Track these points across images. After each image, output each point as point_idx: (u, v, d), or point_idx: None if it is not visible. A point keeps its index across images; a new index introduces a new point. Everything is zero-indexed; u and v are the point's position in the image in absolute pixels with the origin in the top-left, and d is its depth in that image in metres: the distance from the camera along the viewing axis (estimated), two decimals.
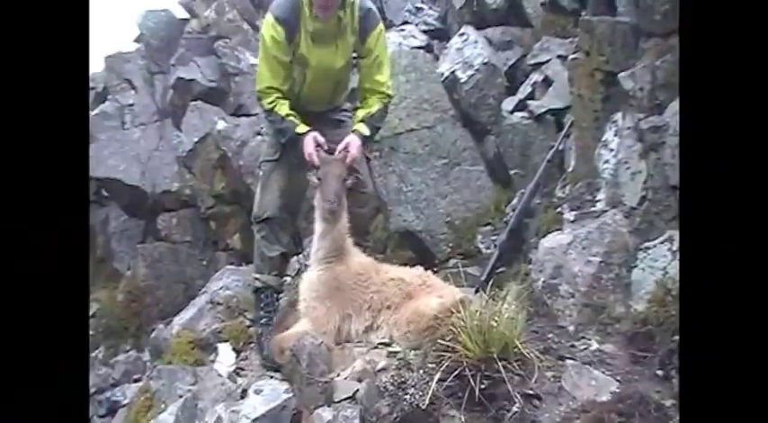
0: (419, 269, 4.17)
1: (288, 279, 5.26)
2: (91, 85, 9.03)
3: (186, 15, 8.92)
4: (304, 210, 5.71)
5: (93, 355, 7.27)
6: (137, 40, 8.99)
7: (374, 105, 4.42)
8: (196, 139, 7.53)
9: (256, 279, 4.64)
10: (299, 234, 6.42)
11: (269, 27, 4.29)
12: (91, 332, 7.36)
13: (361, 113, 4.42)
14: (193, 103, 7.79)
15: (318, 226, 4.03)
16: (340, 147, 4.20)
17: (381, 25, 4.48)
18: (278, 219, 4.55)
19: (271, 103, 4.34)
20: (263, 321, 4.56)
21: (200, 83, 7.99)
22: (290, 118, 4.31)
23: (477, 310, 3.43)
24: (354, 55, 4.55)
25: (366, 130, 4.34)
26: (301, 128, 4.28)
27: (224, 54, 7.96)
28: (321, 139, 4.22)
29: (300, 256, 5.90)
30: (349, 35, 4.38)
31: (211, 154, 7.43)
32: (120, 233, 8.28)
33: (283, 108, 4.33)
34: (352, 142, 4.22)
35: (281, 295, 4.77)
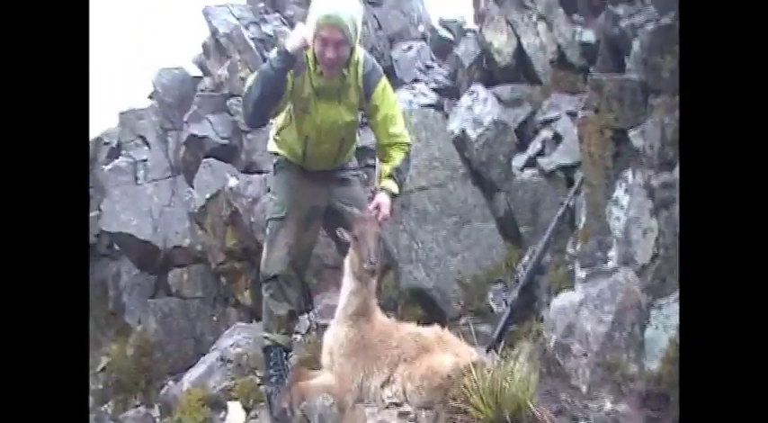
0: (436, 326, 4.14)
1: (297, 337, 5.22)
2: (105, 140, 9.19)
3: (199, 73, 9.03)
4: (314, 266, 5.73)
5: (102, 409, 7.23)
6: (150, 97, 9.11)
7: (397, 157, 4.40)
8: (208, 196, 7.56)
9: (265, 337, 4.59)
10: (309, 291, 6.40)
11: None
12: (100, 386, 7.35)
13: (387, 168, 4.38)
14: (206, 159, 7.84)
15: (350, 283, 3.98)
16: (371, 206, 4.17)
17: (384, 79, 4.47)
18: (285, 276, 4.51)
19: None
20: (272, 380, 4.50)
21: (213, 140, 8.05)
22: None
23: (489, 371, 3.39)
24: (362, 114, 4.57)
25: (395, 188, 4.31)
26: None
27: (236, 112, 8.01)
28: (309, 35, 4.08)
29: (311, 313, 5.89)
30: (353, 93, 4.38)
31: (223, 210, 7.45)
32: (132, 287, 8.32)
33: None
34: (383, 201, 4.19)
35: (290, 353, 4.73)
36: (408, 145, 4.50)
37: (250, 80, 4.21)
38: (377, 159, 4.77)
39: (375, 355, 3.86)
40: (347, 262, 4.01)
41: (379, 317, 4.06)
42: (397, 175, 4.36)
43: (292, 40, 4.07)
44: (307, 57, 4.26)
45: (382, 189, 4.29)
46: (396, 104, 4.54)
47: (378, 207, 4.15)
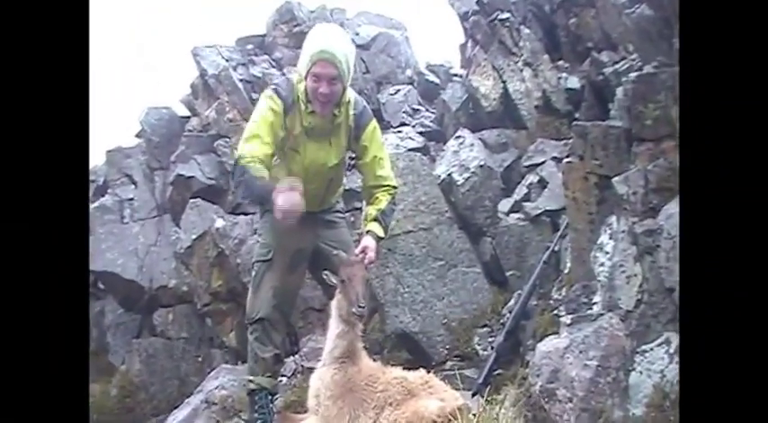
0: (422, 371, 4.14)
1: (283, 380, 5.21)
2: (91, 178, 9.13)
3: (187, 113, 9.04)
4: (299, 309, 5.72)
5: None
6: (138, 136, 9.10)
7: (383, 200, 4.37)
8: (194, 236, 7.55)
9: (250, 381, 4.56)
10: (295, 334, 6.39)
11: (268, 99, 4.21)
12: None
13: (372, 211, 4.35)
14: (192, 200, 7.85)
15: (337, 326, 3.96)
16: (358, 249, 4.12)
17: (374, 122, 4.47)
18: (271, 319, 4.47)
19: (249, 160, 4.07)
20: None
21: (200, 180, 8.07)
22: (265, 181, 4.05)
23: (474, 416, 3.39)
24: (351, 156, 4.59)
25: (380, 231, 4.26)
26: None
27: (223, 153, 8.06)
28: (299, 190, 3.94)
29: (297, 356, 5.88)
30: (343, 134, 4.39)
31: (209, 251, 7.45)
32: (116, 327, 8.25)
33: (260, 171, 4.06)
34: (369, 244, 4.14)
35: (276, 397, 4.70)
36: (394, 188, 4.51)
37: (237, 172, 4.12)
38: (363, 202, 4.78)
39: (361, 399, 3.84)
40: (334, 305, 4.00)
41: (366, 360, 4.05)
42: (382, 218, 4.33)
43: (281, 204, 3.89)
44: (298, 96, 4.28)
45: (368, 232, 4.26)
46: (383, 147, 4.56)
47: (364, 250, 4.13)
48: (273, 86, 4.29)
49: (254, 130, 4.18)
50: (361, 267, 3.98)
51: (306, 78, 4.18)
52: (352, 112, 4.35)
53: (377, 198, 4.41)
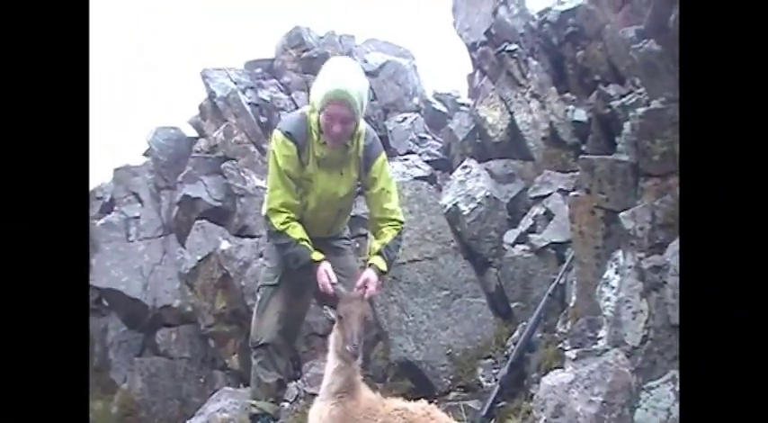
0: (423, 402, 4.13)
1: (285, 405, 5.20)
2: (98, 194, 9.20)
3: (195, 134, 9.08)
4: (303, 334, 5.72)
5: None
6: (146, 155, 9.15)
7: (388, 235, 4.41)
8: (199, 258, 7.55)
9: (253, 405, 4.58)
10: (298, 359, 6.40)
11: (280, 144, 4.30)
12: None
13: (376, 245, 4.38)
14: (198, 221, 7.85)
15: (334, 361, 3.94)
16: (359, 283, 4.12)
17: (383, 154, 4.54)
18: (275, 344, 4.50)
19: (283, 223, 4.29)
20: None
21: (206, 201, 8.08)
22: (304, 243, 4.26)
23: None
24: (358, 185, 4.63)
25: (383, 265, 4.28)
26: (316, 255, 4.24)
27: (230, 175, 8.08)
28: (333, 276, 4.15)
29: (299, 381, 5.87)
30: (353, 164, 4.44)
31: (214, 273, 7.45)
32: (119, 344, 8.28)
33: (296, 231, 4.28)
34: (371, 278, 4.16)
35: (277, 422, 4.70)
36: (401, 223, 4.54)
37: (279, 238, 4.39)
38: (369, 234, 4.80)
39: None
40: (331, 340, 3.99)
41: (365, 393, 4.03)
42: (386, 252, 4.35)
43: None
44: (311, 126, 4.32)
45: (370, 265, 4.28)
46: (392, 181, 4.61)
47: (365, 284, 4.12)
48: (286, 130, 4.33)
49: (275, 182, 4.34)
50: (359, 304, 3.94)
51: (319, 112, 4.23)
52: (362, 143, 4.41)
53: (382, 232, 4.44)
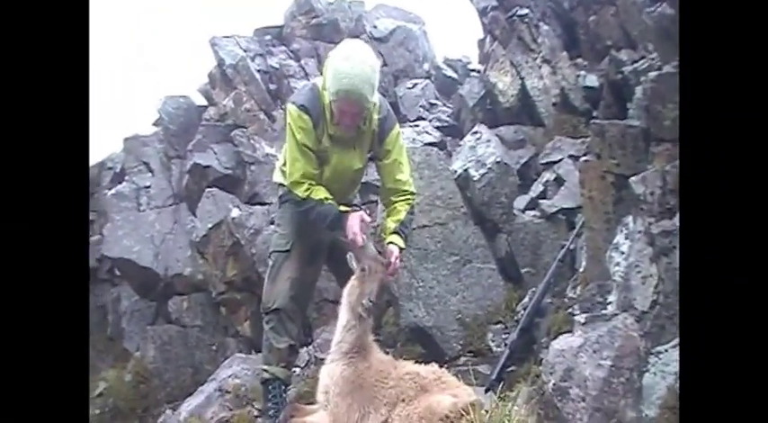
0: (434, 366, 4.15)
1: (297, 370, 5.23)
2: (108, 165, 9.21)
3: (205, 103, 9.07)
4: (314, 300, 5.74)
5: None
6: (155, 124, 9.14)
7: (401, 211, 4.42)
8: (210, 226, 7.57)
9: (264, 370, 4.60)
10: (309, 325, 6.42)
11: (296, 118, 4.28)
12: (97, 411, 7.31)
13: (391, 223, 4.40)
14: (209, 189, 7.86)
15: (345, 317, 3.96)
16: (392, 258, 4.17)
17: (398, 126, 4.53)
18: (287, 310, 4.51)
19: (306, 190, 4.29)
20: (270, 413, 4.50)
21: (216, 170, 8.08)
22: (330, 202, 4.27)
23: (487, 412, 3.41)
24: (369, 154, 4.61)
25: (401, 243, 4.32)
26: (343, 208, 4.26)
27: (240, 143, 8.07)
28: (367, 218, 4.18)
29: (310, 347, 5.90)
30: (367, 138, 4.43)
31: (225, 241, 7.47)
32: (131, 313, 8.31)
33: (320, 192, 4.29)
34: (396, 253, 4.21)
35: (289, 387, 4.73)
36: (413, 195, 4.55)
37: (306, 204, 4.34)
38: (380, 205, 4.79)
39: (372, 395, 3.85)
40: (345, 293, 3.98)
41: (377, 354, 4.04)
42: (401, 230, 4.37)
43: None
44: (324, 103, 4.32)
45: (389, 243, 4.30)
46: (405, 152, 4.60)
47: (394, 259, 4.16)
48: (300, 103, 4.30)
49: (294, 155, 4.32)
50: (383, 269, 3.99)
51: (330, 102, 4.22)
52: (376, 116, 4.39)
53: (395, 208, 4.45)
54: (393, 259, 4.16)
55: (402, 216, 4.41)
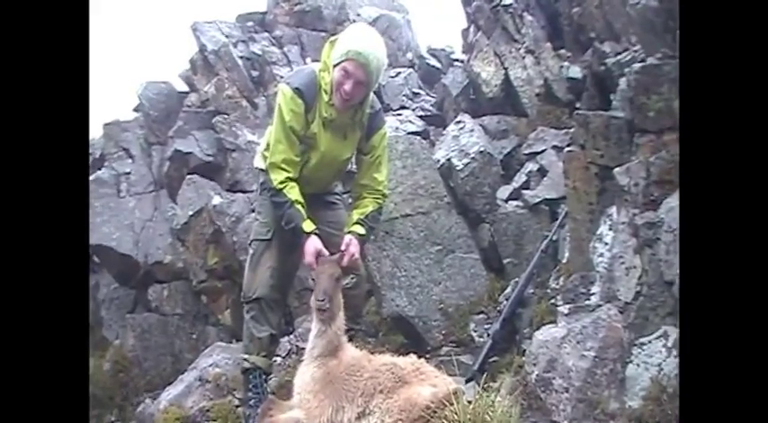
0: (412, 357, 4.14)
1: (278, 360, 5.20)
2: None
3: (186, 89, 8.96)
4: (295, 289, 5.71)
5: None
6: (136, 110, 9.03)
7: (369, 206, 4.43)
8: (191, 213, 7.52)
9: (245, 360, 4.58)
10: (290, 314, 6.40)
11: (288, 100, 4.23)
12: None
13: (356, 215, 4.40)
14: (189, 176, 7.79)
15: (314, 325, 4.01)
16: (342, 247, 4.17)
17: (386, 127, 4.57)
18: (268, 299, 4.50)
19: (282, 182, 4.25)
20: (251, 403, 4.49)
21: (198, 156, 8.00)
22: (298, 207, 4.24)
23: (470, 403, 3.40)
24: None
25: (362, 230, 4.33)
26: (308, 225, 4.22)
27: (222, 129, 8.00)
28: (321, 248, 4.13)
29: (291, 336, 5.87)
30: (358, 130, 4.43)
31: (205, 228, 7.42)
32: (110, 301, 8.21)
33: (293, 192, 4.25)
34: (351, 243, 4.20)
35: (270, 376, 4.71)
36: (384, 197, 4.56)
37: (276, 197, 4.32)
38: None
39: (344, 389, 3.85)
40: (311, 303, 4.03)
41: (349, 351, 4.05)
42: (365, 221, 4.38)
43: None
44: (320, 86, 4.28)
45: (350, 231, 4.30)
46: (386, 156, 4.63)
47: (346, 247, 4.16)
48: (295, 85, 4.27)
49: (279, 137, 4.28)
50: (332, 265, 4.01)
51: (333, 68, 4.19)
52: (367, 111, 4.38)
53: (363, 202, 4.46)
54: (344, 247, 4.16)
55: (368, 210, 4.42)
